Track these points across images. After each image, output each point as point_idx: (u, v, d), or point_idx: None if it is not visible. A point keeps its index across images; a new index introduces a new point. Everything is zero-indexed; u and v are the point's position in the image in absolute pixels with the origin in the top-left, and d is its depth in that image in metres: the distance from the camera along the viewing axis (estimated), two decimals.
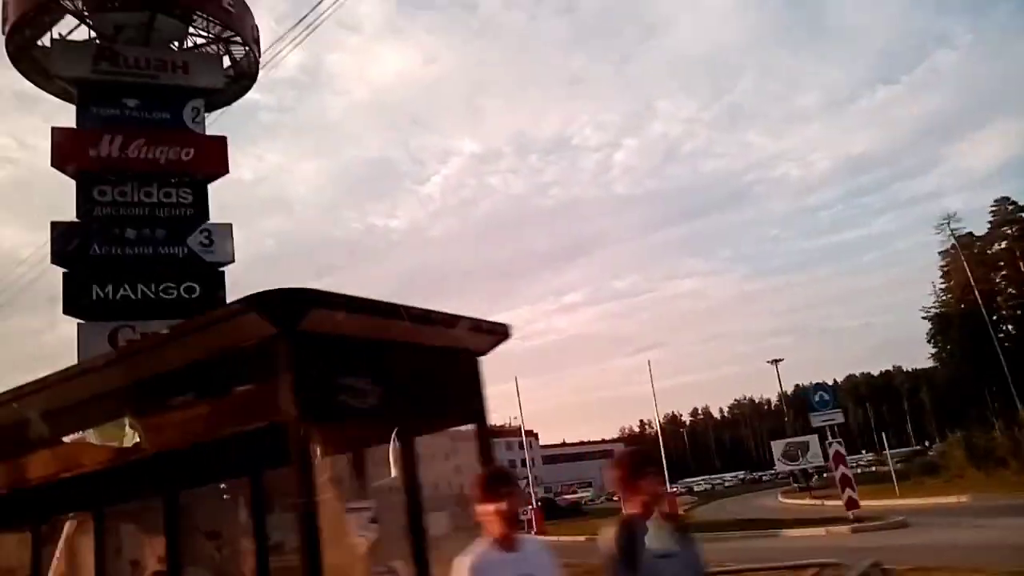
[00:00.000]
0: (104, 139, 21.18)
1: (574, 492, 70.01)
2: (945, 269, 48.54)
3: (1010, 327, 45.05)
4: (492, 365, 3.21)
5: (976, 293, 41.17)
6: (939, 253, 49.29)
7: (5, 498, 4.36)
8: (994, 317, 43.17)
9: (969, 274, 42.39)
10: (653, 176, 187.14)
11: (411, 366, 2.96)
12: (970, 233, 47.78)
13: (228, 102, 25.35)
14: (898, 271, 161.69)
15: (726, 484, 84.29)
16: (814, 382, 18.95)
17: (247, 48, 24.44)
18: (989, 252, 47.17)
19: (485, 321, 3.25)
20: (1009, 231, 46.23)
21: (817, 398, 16.97)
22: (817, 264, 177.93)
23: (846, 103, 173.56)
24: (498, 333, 3.32)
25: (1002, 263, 46.75)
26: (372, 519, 2.88)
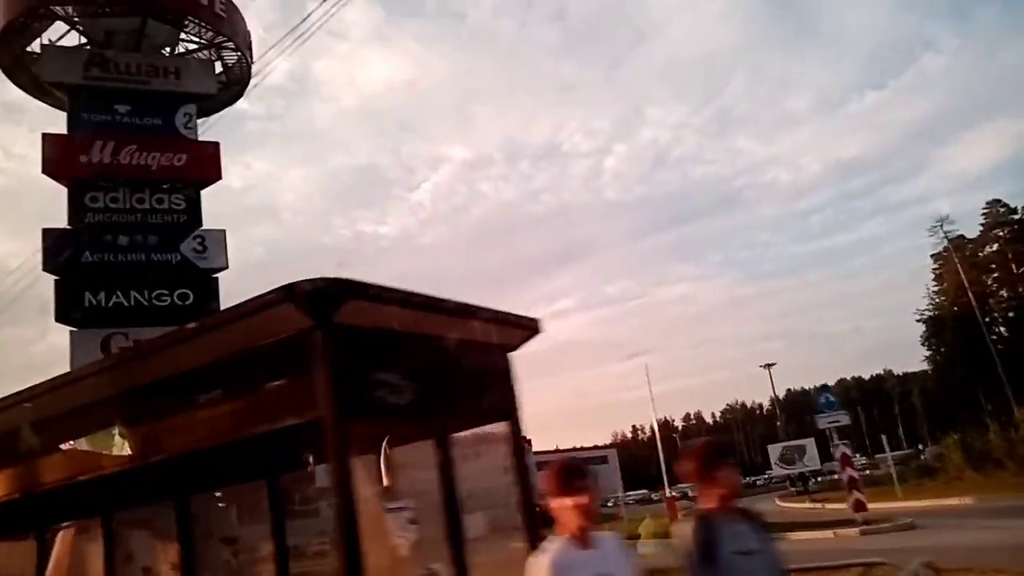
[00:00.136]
0: (96, 145, 20.97)
1: None
2: (938, 272, 48.84)
3: (1003, 329, 45.31)
4: None
5: (971, 295, 41.43)
6: (931, 256, 49.74)
7: (13, 504, 4.21)
8: (986, 319, 43.41)
9: (963, 276, 42.65)
10: (643, 182, 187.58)
11: (444, 361, 2.85)
12: (961, 236, 48.13)
13: (220, 108, 25.18)
14: (888, 275, 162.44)
15: None
16: (818, 384, 18.95)
17: (239, 53, 24.27)
18: (981, 255, 47.48)
19: (517, 315, 3.13)
20: (1001, 233, 46.57)
21: (823, 400, 16.92)
22: (807, 268, 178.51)
23: (835, 108, 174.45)
24: (529, 328, 3.21)
25: (994, 265, 47.06)
26: (411, 520, 2.75)
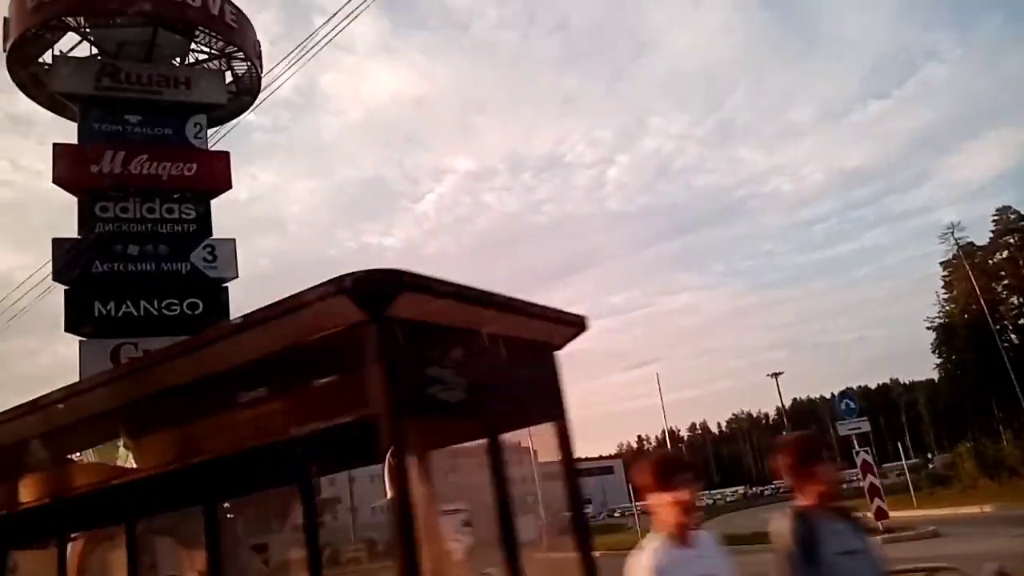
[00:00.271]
0: (106, 155, 21.01)
1: None
2: (947, 279, 48.52)
3: (1013, 337, 44.95)
4: None
5: (982, 302, 41.10)
6: (940, 263, 49.44)
7: (35, 511, 4.12)
8: (997, 327, 43.08)
9: (975, 283, 42.35)
10: (646, 192, 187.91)
11: (492, 359, 2.75)
12: (971, 243, 47.86)
13: (230, 117, 25.22)
14: (892, 284, 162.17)
15: (727, 499, 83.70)
16: (824, 394, 18.77)
17: (249, 63, 24.35)
18: (991, 262, 47.16)
19: (563, 311, 3.04)
20: (1012, 240, 46.25)
21: (843, 406, 16.73)
22: (811, 278, 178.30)
23: (838, 117, 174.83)
24: (576, 325, 3.11)
25: (1003, 272, 46.75)
26: (466, 522, 2.65)
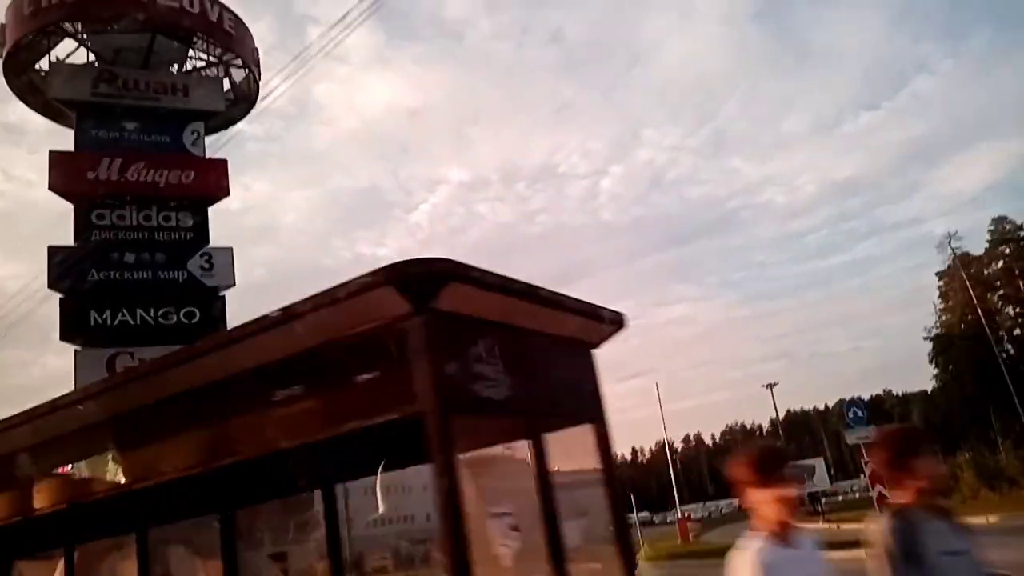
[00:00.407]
0: (103, 162, 20.88)
1: None
2: (944, 289, 48.62)
3: (1009, 347, 44.99)
4: None
5: (980, 312, 41.19)
6: (936, 274, 49.54)
7: (41, 520, 3.97)
8: (992, 338, 43.17)
9: (972, 293, 42.43)
10: (640, 203, 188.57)
11: (533, 355, 2.64)
12: (966, 253, 47.96)
13: (227, 125, 25.16)
14: (885, 295, 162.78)
15: (723, 511, 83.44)
16: (848, 398, 18.62)
17: (247, 70, 24.29)
18: (986, 272, 47.31)
19: (604, 308, 2.93)
20: (1008, 250, 46.39)
21: (851, 415, 16.63)
22: (805, 289, 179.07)
23: (830, 129, 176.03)
24: (615, 323, 3.00)
25: (999, 283, 46.87)
26: (513, 526, 2.53)
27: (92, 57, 22.97)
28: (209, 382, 2.77)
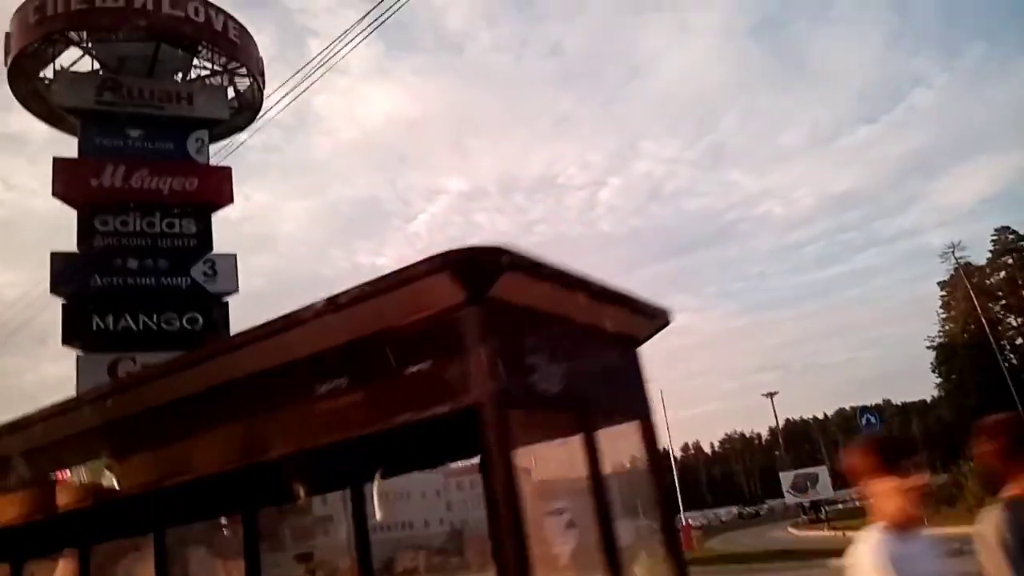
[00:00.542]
0: (107, 169, 20.84)
1: None
2: (946, 299, 48.57)
3: (1012, 357, 44.86)
4: None
5: (984, 322, 41.13)
6: (939, 283, 49.52)
7: (55, 520, 3.88)
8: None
9: (976, 302, 42.38)
10: (638, 214, 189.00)
11: (582, 349, 2.57)
12: (968, 263, 47.97)
13: (230, 133, 25.13)
14: (883, 306, 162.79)
15: (722, 519, 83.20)
16: (861, 405, 18.50)
17: (251, 79, 24.30)
18: (988, 282, 47.26)
19: (650, 302, 2.86)
20: (1010, 261, 46.34)
21: (864, 421, 16.57)
22: (803, 300, 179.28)
23: (827, 142, 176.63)
24: (660, 318, 2.93)
25: (1000, 293, 46.83)
26: (569, 524, 2.44)
27: (96, 65, 22.98)
28: (244, 376, 2.69)
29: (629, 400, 2.80)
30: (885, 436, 2.01)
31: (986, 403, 42.01)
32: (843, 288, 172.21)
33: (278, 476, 3.44)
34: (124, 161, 21.20)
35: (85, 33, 22.49)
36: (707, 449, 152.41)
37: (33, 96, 22.95)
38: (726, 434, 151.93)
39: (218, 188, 22.23)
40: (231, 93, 24.45)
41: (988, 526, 2.03)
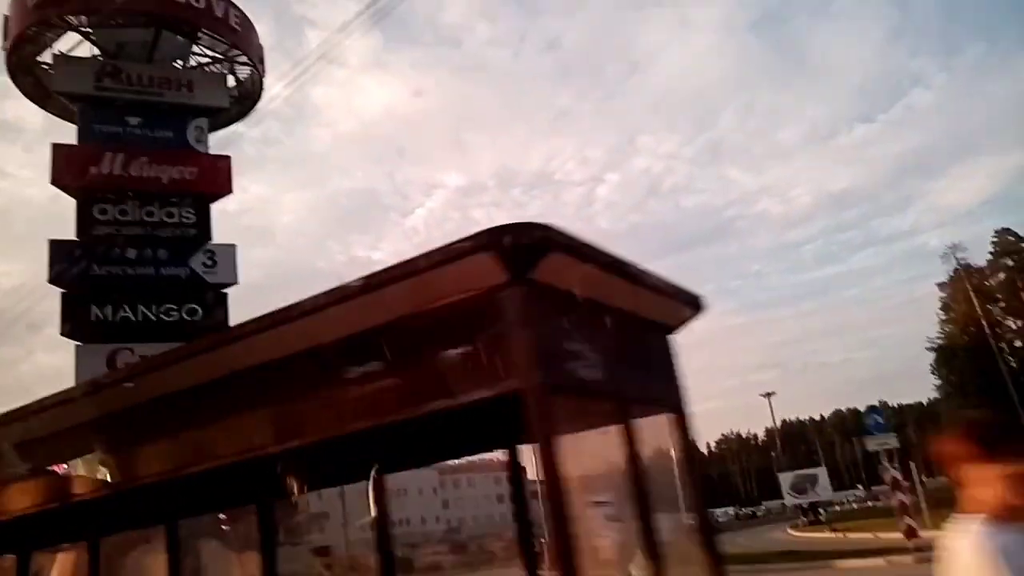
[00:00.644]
0: (106, 157, 20.65)
1: None
2: (945, 300, 48.55)
3: (1011, 359, 44.84)
4: None
5: (985, 323, 41.14)
6: (938, 285, 49.48)
7: (63, 510, 3.78)
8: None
9: (976, 304, 42.38)
10: (636, 211, 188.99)
11: (619, 336, 2.47)
12: (967, 264, 47.92)
13: (230, 122, 24.94)
14: (880, 306, 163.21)
15: (719, 520, 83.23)
16: (870, 405, 18.42)
17: (252, 67, 24.10)
18: (988, 284, 47.25)
19: (683, 288, 2.76)
20: (1010, 263, 46.32)
21: (871, 422, 16.47)
22: (800, 299, 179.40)
23: (825, 140, 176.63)
24: (695, 305, 2.83)
25: (999, 295, 46.83)
26: (613, 517, 2.35)
27: (96, 51, 22.76)
28: (266, 362, 2.59)
29: (664, 391, 2.71)
30: (989, 416, 1.87)
31: (986, 405, 42.04)
32: (840, 288, 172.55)
33: (298, 466, 3.34)
34: (123, 149, 21.02)
35: (84, 18, 22.27)
36: (703, 449, 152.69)
37: (31, 82, 22.73)
38: (723, 434, 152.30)
39: (218, 177, 22.06)
40: (231, 82, 24.26)
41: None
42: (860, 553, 15.43)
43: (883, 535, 21.28)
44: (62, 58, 22.23)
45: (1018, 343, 46.67)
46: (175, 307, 20.12)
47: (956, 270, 47.47)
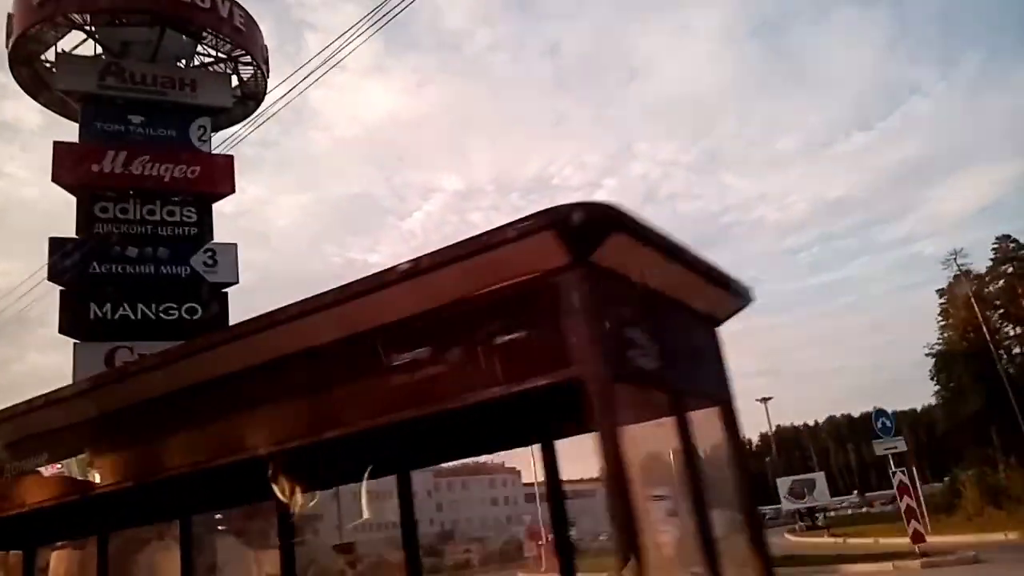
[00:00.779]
0: (108, 155, 20.52)
1: None
2: (945, 307, 48.62)
3: (1009, 367, 44.90)
4: None
5: (985, 330, 41.25)
6: (937, 291, 49.57)
7: (72, 506, 3.67)
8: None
9: (977, 310, 42.48)
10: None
11: (672, 326, 2.38)
12: (968, 271, 48.05)
13: (233, 123, 24.78)
14: (876, 313, 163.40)
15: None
16: (877, 408, 18.29)
17: (256, 68, 24.00)
18: (987, 290, 47.36)
19: (733, 277, 2.66)
20: (1011, 270, 46.46)
21: (879, 425, 16.40)
22: (795, 305, 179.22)
23: (823, 148, 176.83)
24: (742, 296, 2.74)
25: (998, 302, 46.93)
26: (671, 512, 2.26)
27: (99, 50, 22.65)
28: (299, 351, 2.48)
29: (712, 383, 2.62)
30: None
31: (985, 411, 42.10)
32: (836, 295, 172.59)
33: (328, 459, 3.24)
34: (125, 147, 20.88)
35: (88, 16, 22.16)
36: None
37: (34, 80, 22.60)
38: None
39: (220, 177, 21.91)
40: (234, 82, 24.17)
41: None
42: (865, 558, 15.39)
43: (884, 540, 21.23)
44: (65, 56, 22.10)
45: (1017, 349, 46.75)
46: (175, 306, 19.97)
47: (956, 276, 47.60)
